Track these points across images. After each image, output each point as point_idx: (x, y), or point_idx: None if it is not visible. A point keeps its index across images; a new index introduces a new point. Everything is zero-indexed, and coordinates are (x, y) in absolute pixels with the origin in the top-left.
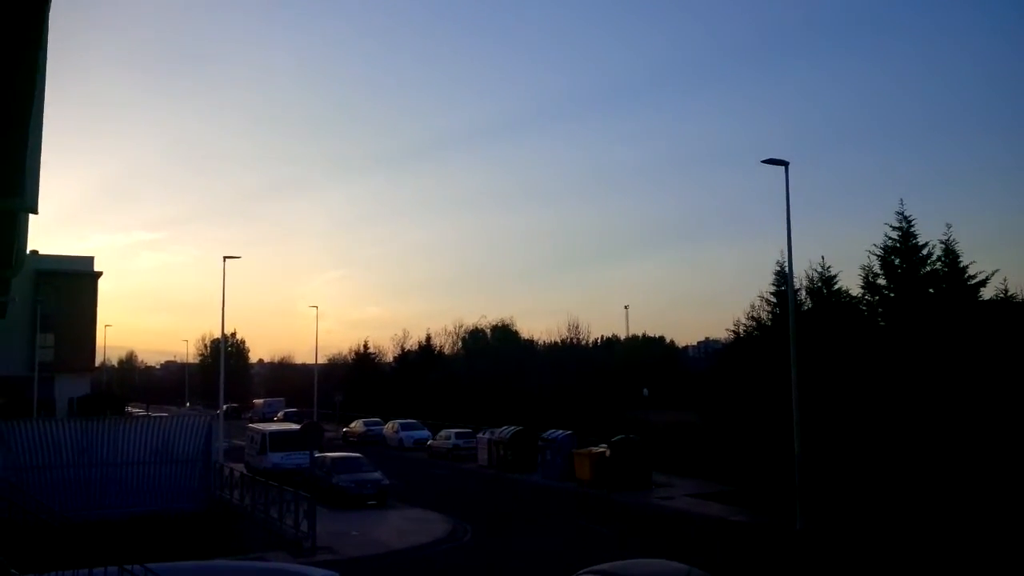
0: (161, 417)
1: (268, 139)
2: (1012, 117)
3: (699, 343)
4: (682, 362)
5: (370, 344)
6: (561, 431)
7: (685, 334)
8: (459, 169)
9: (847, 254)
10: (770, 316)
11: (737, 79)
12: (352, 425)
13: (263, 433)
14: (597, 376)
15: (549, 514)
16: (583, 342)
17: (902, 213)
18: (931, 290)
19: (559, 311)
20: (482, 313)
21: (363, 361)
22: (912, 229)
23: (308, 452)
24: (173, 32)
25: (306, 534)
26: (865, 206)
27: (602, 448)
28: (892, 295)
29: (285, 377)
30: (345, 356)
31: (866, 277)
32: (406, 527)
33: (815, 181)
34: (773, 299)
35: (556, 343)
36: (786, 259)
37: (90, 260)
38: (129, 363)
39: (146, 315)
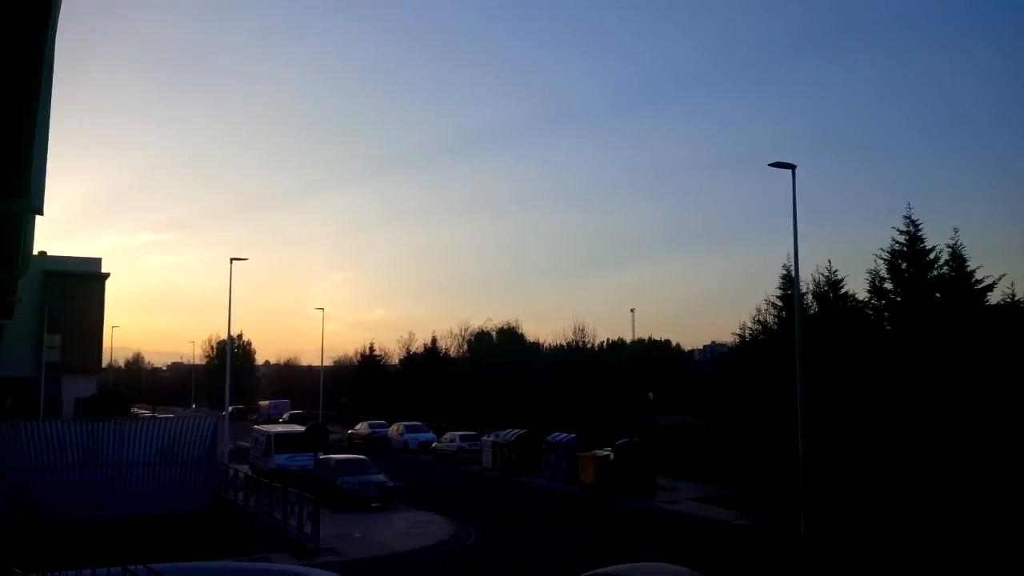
0: (167, 418)
1: (275, 143)
2: (1021, 122)
3: (705, 347)
4: (688, 366)
5: (376, 346)
6: (565, 434)
7: (691, 338)
8: (467, 173)
9: (854, 258)
10: (776, 320)
11: (742, 84)
12: (357, 427)
13: (268, 435)
14: (602, 379)
15: (553, 517)
16: (589, 345)
17: (909, 217)
18: (938, 294)
19: (565, 314)
20: (488, 316)
21: (369, 363)
22: (919, 233)
23: (313, 454)
24: (183, 37)
25: (310, 536)
26: (872, 210)
27: (606, 451)
28: (899, 299)
29: (291, 379)
30: (351, 358)
31: (873, 281)
32: (410, 529)
33: (822, 185)
34: (779, 303)
35: (562, 346)
36: (792, 263)
37: (98, 261)
38: (136, 364)
39: (153, 316)
